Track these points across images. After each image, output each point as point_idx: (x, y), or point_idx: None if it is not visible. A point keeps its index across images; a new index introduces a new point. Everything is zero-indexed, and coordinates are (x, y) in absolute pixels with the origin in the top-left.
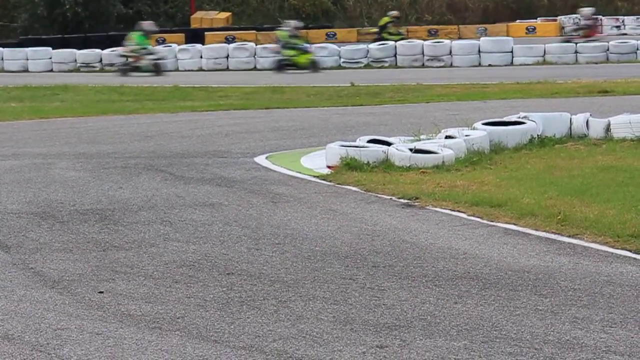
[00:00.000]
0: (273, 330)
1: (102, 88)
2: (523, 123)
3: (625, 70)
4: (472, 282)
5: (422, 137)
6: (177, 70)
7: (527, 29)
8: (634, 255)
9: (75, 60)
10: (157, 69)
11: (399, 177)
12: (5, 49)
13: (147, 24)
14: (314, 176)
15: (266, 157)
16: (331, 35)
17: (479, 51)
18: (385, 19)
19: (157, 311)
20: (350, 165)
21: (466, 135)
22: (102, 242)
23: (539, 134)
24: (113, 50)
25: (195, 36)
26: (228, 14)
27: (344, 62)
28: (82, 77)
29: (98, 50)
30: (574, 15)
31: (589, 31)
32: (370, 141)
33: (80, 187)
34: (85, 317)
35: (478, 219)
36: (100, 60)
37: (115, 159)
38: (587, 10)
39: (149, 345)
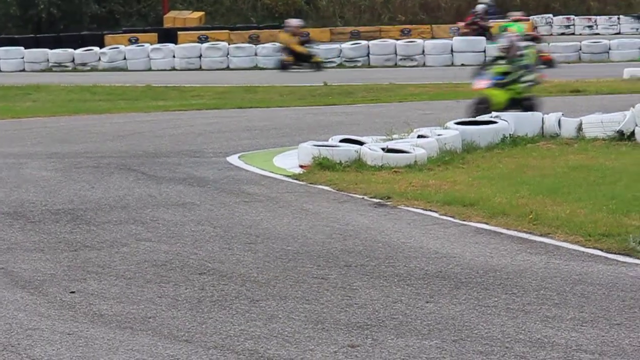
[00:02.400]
0: (245, 329)
1: (75, 88)
2: (495, 122)
3: (598, 69)
4: (443, 281)
5: (394, 136)
6: (149, 69)
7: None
8: (604, 254)
9: (48, 60)
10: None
11: (371, 177)
12: None
13: (294, 22)
14: (287, 176)
15: (239, 157)
16: (304, 35)
17: (452, 51)
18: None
19: (128, 311)
20: (322, 165)
21: (438, 135)
22: (73, 242)
23: (511, 133)
24: (87, 50)
25: (168, 36)
26: (201, 13)
27: None
28: (55, 77)
29: (70, 50)
30: (547, 15)
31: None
32: (342, 140)
33: (52, 187)
34: (56, 317)
35: (450, 218)
36: (73, 60)
37: (88, 158)
38: (480, 6)
39: (120, 345)
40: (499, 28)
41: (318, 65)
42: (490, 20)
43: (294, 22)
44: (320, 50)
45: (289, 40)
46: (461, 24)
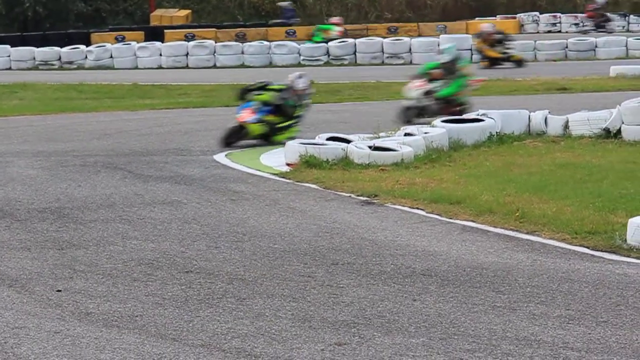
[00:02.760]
0: (232, 328)
1: (61, 86)
2: (482, 120)
3: (584, 67)
4: (430, 279)
5: (381, 134)
6: (136, 68)
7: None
8: (591, 252)
9: (34, 58)
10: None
11: (358, 175)
12: None
13: (485, 26)
14: (273, 174)
15: (225, 155)
16: (291, 33)
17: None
18: None
19: (115, 309)
20: (309, 163)
21: (425, 133)
22: (60, 240)
23: (497, 131)
24: (73, 48)
25: (155, 34)
26: (187, 11)
27: (303, 59)
28: (41, 75)
29: (57, 48)
30: (534, 13)
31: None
32: (329, 139)
33: (39, 186)
34: (43, 315)
35: (437, 216)
36: (59, 58)
37: (74, 157)
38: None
39: (107, 344)
40: (315, 29)
41: (519, 63)
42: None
43: (485, 26)
44: (516, 45)
45: (481, 47)
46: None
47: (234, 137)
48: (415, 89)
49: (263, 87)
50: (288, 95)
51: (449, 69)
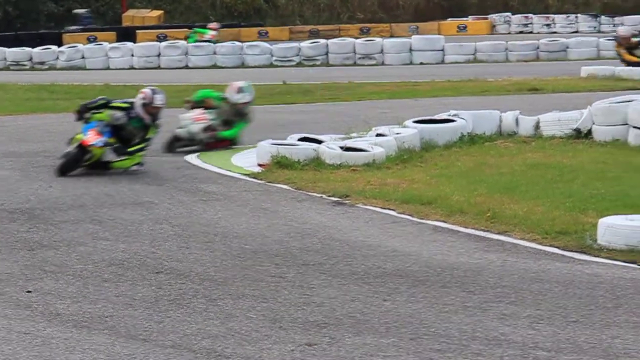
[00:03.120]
0: (202, 328)
1: (32, 86)
2: (453, 121)
3: (555, 68)
4: (401, 279)
5: (353, 135)
6: (108, 68)
7: (458, 27)
8: (561, 252)
9: (5, 59)
10: None
11: (329, 175)
12: None
13: (622, 30)
14: (245, 174)
15: (197, 156)
16: (263, 34)
17: (411, 49)
18: None
19: (85, 310)
20: (281, 164)
21: (397, 133)
22: (30, 241)
23: (469, 131)
24: (45, 48)
25: (127, 34)
26: (160, 12)
27: (275, 60)
28: (12, 76)
29: (28, 49)
30: (506, 13)
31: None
32: (301, 139)
33: (9, 186)
34: (13, 316)
35: (408, 217)
36: (31, 59)
37: (45, 157)
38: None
39: (77, 345)
40: (192, 32)
41: None
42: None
43: (621, 31)
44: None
45: (619, 50)
46: None
47: (73, 164)
48: (196, 123)
49: (104, 105)
50: (134, 114)
51: (240, 111)
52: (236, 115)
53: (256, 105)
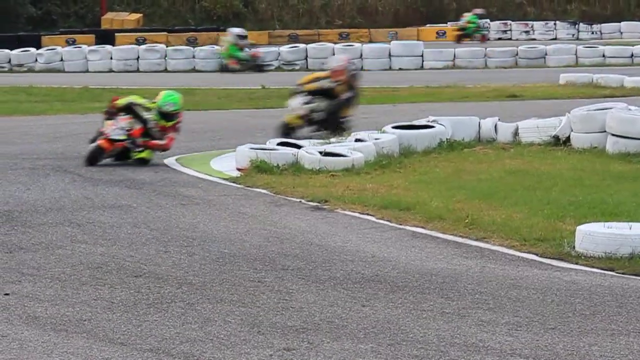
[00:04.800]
0: (180, 332)
1: (10, 88)
2: (432, 127)
3: (534, 74)
4: (379, 285)
5: (332, 140)
6: (86, 71)
7: (437, 33)
8: (539, 259)
9: None
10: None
11: (308, 180)
12: None
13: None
14: (224, 178)
15: (176, 159)
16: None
17: (390, 55)
18: None
19: (63, 313)
20: (260, 168)
21: (376, 139)
22: (8, 243)
23: (448, 137)
24: (24, 51)
25: (106, 37)
26: (139, 15)
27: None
28: None
29: (7, 51)
30: (484, 20)
31: None
32: (280, 144)
33: None
34: None
35: (387, 222)
36: (9, 61)
37: (23, 160)
38: None
39: (54, 348)
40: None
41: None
42: None
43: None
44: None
45: None
46: None
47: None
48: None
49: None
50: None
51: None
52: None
53: (234, 110)
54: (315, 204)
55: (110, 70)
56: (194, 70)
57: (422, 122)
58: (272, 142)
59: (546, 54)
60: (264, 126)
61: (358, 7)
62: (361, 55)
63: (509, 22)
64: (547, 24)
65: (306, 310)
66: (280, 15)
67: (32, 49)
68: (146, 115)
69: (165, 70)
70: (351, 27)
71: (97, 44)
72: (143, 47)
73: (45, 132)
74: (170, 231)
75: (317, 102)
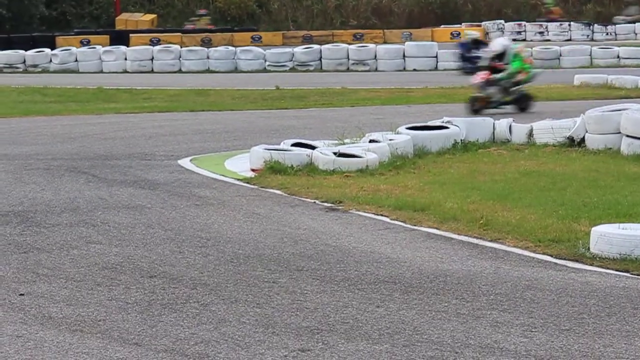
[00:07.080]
0: (195, 333)
1: (25, 89)
2: (446, 128)
3: (548, 76)
4: (394, 285)
5: (346, 141)
6: (101, 72)
7: (451, 34)
8: (554, 260)
9: None
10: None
11: (322, 181)
12: None
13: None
14: (238, 179)
15: (190, 160)
16: (256, 39)
17: (404, 56)
18: None
19: (78, 314)
20: (274, 169)
21: (390, 140)
22: (23, 244)
23: (462, 138)
24: (38, 51)
25: (120, 38)
26: (153, 16)
27: (269, 65)
28: (5, 78)
29: (21, 51)
30: (499, 21)
31: None
32: (294, 144)
33: (2, 189)
34: (5, 319)
35: (401, 223)
36: (24, 62)
37: (38, 160)
38: None
39: (69, 348)
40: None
41: None
42: None
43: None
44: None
45: None
46: None
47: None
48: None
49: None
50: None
51: None
52: None
53: (249, 110)
54: (329, 204)
55: (125, 71)
56: (208, 70)
57: (437, 123)
58: (287, 143)
59: (561, 55)
60: (278, 127)
61: (372, 7)
62: (375, 56)
63: (523, 23)
64: (561, 25)
65: (321, 311)
66: (295, 16)
67: (47, 50)
68: None
69: (180, 71)
70: (365, 27)
71: (111, 44)
72: (157, 47)
73: (59, 133)
74: (184, 232)
75: None
